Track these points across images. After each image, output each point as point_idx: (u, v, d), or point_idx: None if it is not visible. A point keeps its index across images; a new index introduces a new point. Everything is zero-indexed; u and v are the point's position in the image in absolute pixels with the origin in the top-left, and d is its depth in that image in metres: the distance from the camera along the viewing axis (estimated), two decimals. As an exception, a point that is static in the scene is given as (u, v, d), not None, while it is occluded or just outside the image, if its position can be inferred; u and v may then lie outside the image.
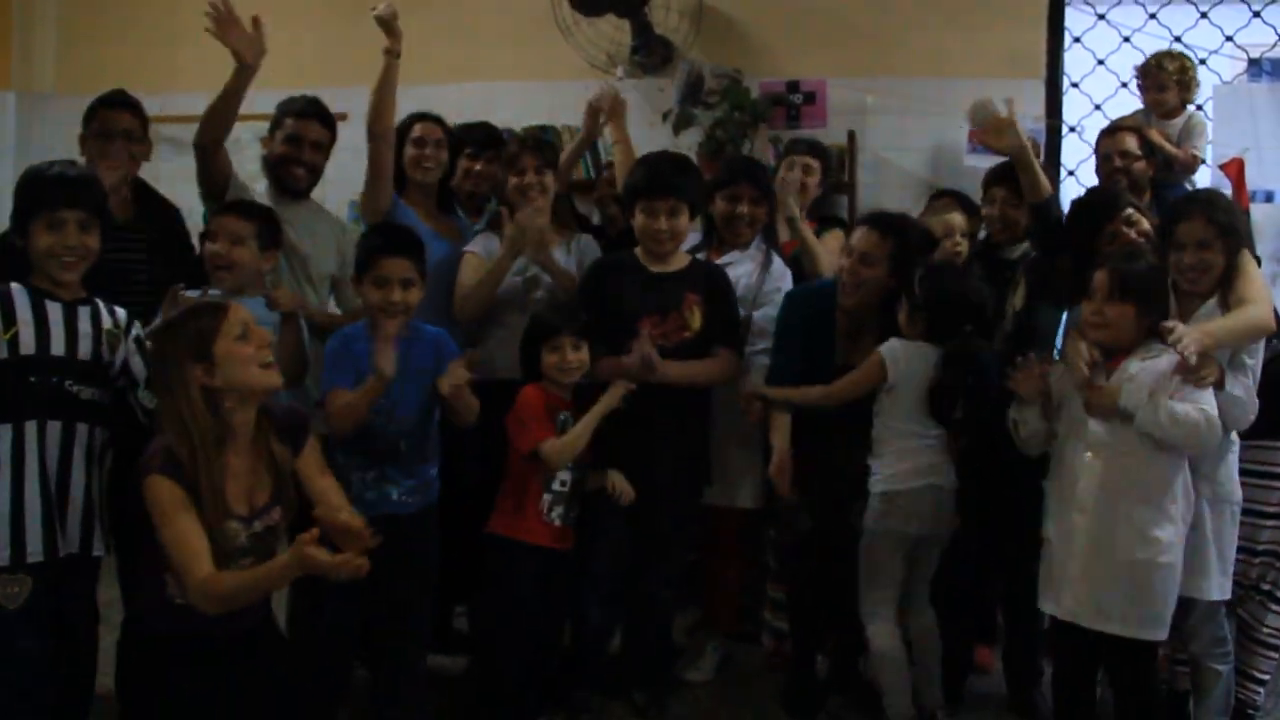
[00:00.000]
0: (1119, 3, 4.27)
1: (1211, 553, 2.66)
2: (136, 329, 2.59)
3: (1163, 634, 2.60)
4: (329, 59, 4.44)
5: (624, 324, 2.98)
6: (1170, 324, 2.51)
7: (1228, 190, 3.75)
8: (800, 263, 3.40)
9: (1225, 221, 2.67)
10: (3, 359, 2.38)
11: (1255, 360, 2.66)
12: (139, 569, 2.24)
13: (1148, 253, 2.79)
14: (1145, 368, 2.58)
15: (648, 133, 4.16)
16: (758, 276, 3.28)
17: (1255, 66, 4.17)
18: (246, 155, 3.46)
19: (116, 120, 3.09)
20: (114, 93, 3.16)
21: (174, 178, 3.36)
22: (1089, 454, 2.62)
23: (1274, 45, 4.15)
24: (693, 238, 3.33)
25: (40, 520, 2.39)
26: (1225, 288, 2.66)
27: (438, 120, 3.49)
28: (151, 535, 2.09)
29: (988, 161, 3.69)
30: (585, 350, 2.92)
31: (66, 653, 2.48)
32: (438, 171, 3.47)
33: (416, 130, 3.43)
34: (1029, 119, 3.79)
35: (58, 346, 2.44)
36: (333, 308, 3.37)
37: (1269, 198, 4.05)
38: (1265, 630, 2.87)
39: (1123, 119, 3.90)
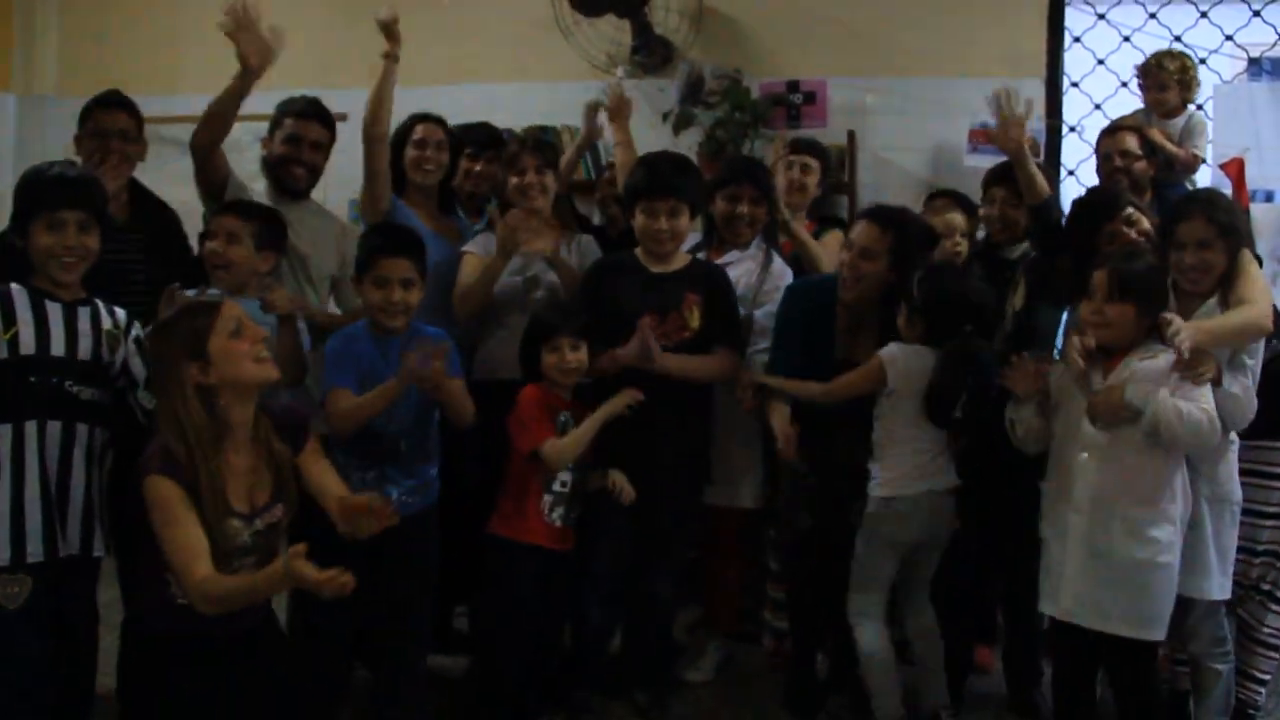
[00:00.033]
0: (1119, 2, 4.27)
1: (1211, 552, 2.66)
2: (136, 329, 2.59)
3: (1161, 634, 2.60)
4: (329, 60, 4.44)
5: (624, 324, 2.98)
6: (1168, 316, 2.52)
7: (1228, 190, 3.75)
8: (800, 262, 3.40)
9: (1226, 221, 2.67)
10: (3, 359, 2.39)
11: (1255, 361, 2.66)
12: (140, 569, 2.24)
13: (1148, 252, 2.79)
14: (1144, 367, 2.58)
15: (648, 133, 4.15)
16: (758, 276, 3.28)
17: (1255, 66, 4.17)
18: (246, 156, 3.46)
19: (111, 121, 3.09)
20: (109, 93, 3.16)
21: (177, 178, 3.36)
22: (1085, 454, 2.62)
23: (1274, 44, 4.15)
24: (693, 238, 3.33)
25: (40, 520, 2.39)
26: (1226, 288, 2.66)
27: (439, 121, 3.49)
28: (152, 535, 2.10)
29: (988, 161, 3.69)
30: (584, 350, 2.92)
31: (66, 653, 2.48)
32: (438, 173, 3.47)
33: (418, 132, 3.43)
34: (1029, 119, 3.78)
35: (58, 347, 2.44)
36: (333, 308, 3.38)
37: (1269, 197, 4.05)
38: (1266, 630, 2.86)
39: (1123, 118, 3.90)
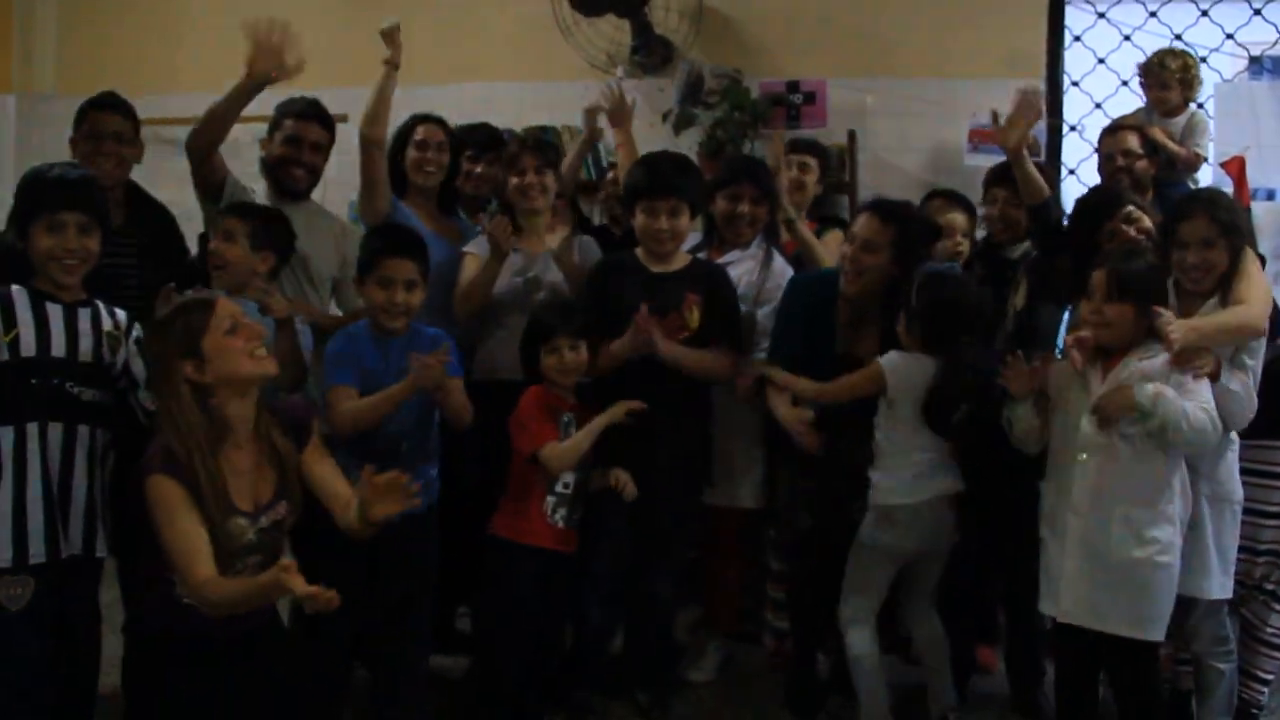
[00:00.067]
0: (1119, 1, 4.26)
1: (1212, 552, 2.66)
2: (137, 330, 2.59)
3: (1160, 634, 2.59)
4: (329, 60, 4.41)
5: (624, 324, 2.97)
6: (1160, 311, 2.53)
7: (1228, 188, 3.75)
8: (802, 262, 3.40)
9: (1229, 220, 2.67)
10: (4, 361, 2.38)
11: (1256, 361, 2.66)
12: (142, 569, 2.24)
13: (1148, 251, 2.79)
14: (1144, 367, 2.57)
15: (648, 133, 4.15)
16: (759, 275, 3.27)
17: (1256, 64, 4.16)
18: (246, 158, 3.45)
19: (106, 122, 3.09)
20: (104, 94, 3.16)
21: (176, 179, 3.36)
22: (1083, 455, 2.62)
23: (1275, 43, 4.14)
24: (693, 238, 3.33)
25: (42, 521, 2.39)
26: (1226, 288, 2.66)
27: (440, 122, 3.48)
28: (156, 535, 2.09)
29: (989, 161, 3.70)
30: (584, 350, 2.92)
31: (67, 653, 2.48)
32: (439, 174, 3.46)
33: (419, 133, 3.42)
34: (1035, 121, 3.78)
35: (58, 348, 2.44)
36: (334, 309, 3.37)
37: (1270, 195, 4.04)
38: (1269, 630, 2.86)
39: (1125, 118, 3.90)
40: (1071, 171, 4.31)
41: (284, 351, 2.69)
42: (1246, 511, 2.74)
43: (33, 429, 2.39)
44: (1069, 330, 2.87)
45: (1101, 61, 4.27)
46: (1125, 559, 2.55)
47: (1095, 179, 3.71)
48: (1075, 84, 4.31)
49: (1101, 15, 4.27)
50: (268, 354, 2.25)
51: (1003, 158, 3.31)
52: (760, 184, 3.33)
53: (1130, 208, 2.98)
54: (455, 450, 2.98)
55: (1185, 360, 2.52)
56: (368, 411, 2.67)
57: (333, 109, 3.37)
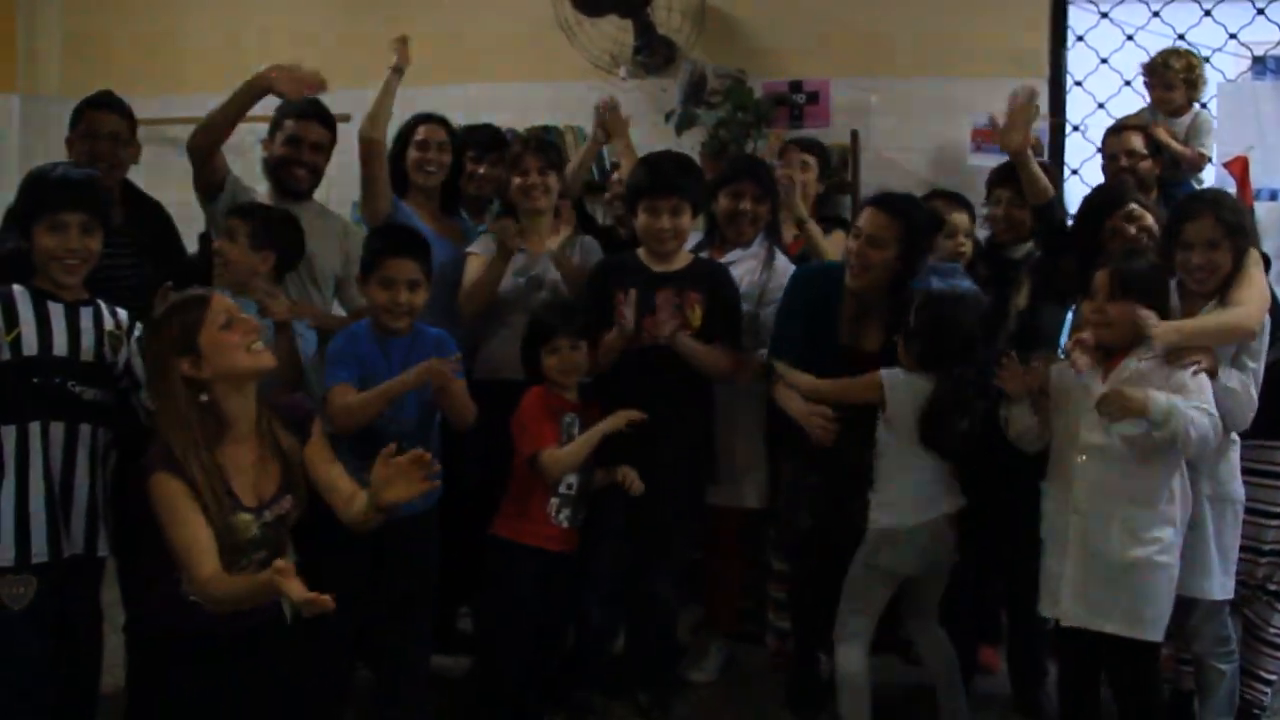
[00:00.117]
0: (1121, 1, 4.26)
1: (1213, 552, 2.65)
2: (139, 330, 2.59)
3: (1159, 635, 2.58)
4: (330, 61, 4.41)
5: (625, 324, 2.98)
6: (1144, 313, 2.53)
7: (1231, 188, 3.75)
8: (807, 261, 3.39)
9: (1234, 221, 2.66)
10: (5, 360, 2.39)
11: (1258, 363, 2.65)
12: (146, 567, 2.24)
13: (1150, 251, 2.79)
14: (1143, 367, 2.57)
15: (650, 133, 4.15)
16: (761, 274, 3.27)
17: (1259, 64, 4.15)
18: (248, 158, 3.45)
19: (103, 123, 3.09)
20: (100, 94, 3.16)
21: (178, 179, 3.36)
22: (1082, 456, 2.61)
23: (1278, 43, 4.14)
24: (695, 237, 3.33)
25: (45, 521, 2.40)
26: (1226, 288, 2.65)
27: (441, 122, 3.48)
28: (159, 532, 2.09)
29: (991, 161, 3.69)
30: (584, 350, 2.92)
31: (68, 653, 2.49)
32: (440, 175, 3.46)
33: (420, 133, 3.43)
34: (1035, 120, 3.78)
35: (60, 347, 2.44)
36: (337, 308, 3.37)
37: (1273, 196, 4.03)
38: (1272, 630, 2.86)
39: (1129, 118, 3.90)
40: (1074, 171, 4.31)
41: (282, 354, 2.69)
42: (1249, 512, 2.74)
43: (35, 428, 2.40)
44: (1072, 330, 2.87)
45: (1104, 61, 4.27)
46: (1125, 559, 2.55)
47: (1098, 179, 3.71)
48: (1078, 84, 4.31)
49: (1104, 15, 4.28)
50: (264, 348, 2.25)
51: (1005, 158, 3.31)
52: (762, 182, 3.33)
53: (1133, 205, 2.98)
54: (456, 450, 2.97)
55: (1179, 358, 2.51)
56: (365, 406, 2.67)
57: (333, 109, 3.37)
